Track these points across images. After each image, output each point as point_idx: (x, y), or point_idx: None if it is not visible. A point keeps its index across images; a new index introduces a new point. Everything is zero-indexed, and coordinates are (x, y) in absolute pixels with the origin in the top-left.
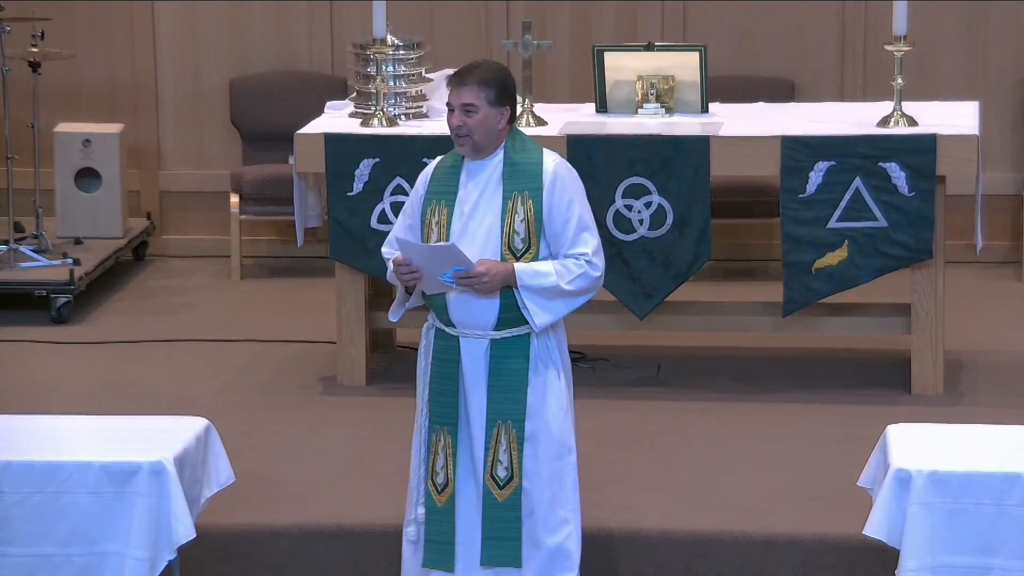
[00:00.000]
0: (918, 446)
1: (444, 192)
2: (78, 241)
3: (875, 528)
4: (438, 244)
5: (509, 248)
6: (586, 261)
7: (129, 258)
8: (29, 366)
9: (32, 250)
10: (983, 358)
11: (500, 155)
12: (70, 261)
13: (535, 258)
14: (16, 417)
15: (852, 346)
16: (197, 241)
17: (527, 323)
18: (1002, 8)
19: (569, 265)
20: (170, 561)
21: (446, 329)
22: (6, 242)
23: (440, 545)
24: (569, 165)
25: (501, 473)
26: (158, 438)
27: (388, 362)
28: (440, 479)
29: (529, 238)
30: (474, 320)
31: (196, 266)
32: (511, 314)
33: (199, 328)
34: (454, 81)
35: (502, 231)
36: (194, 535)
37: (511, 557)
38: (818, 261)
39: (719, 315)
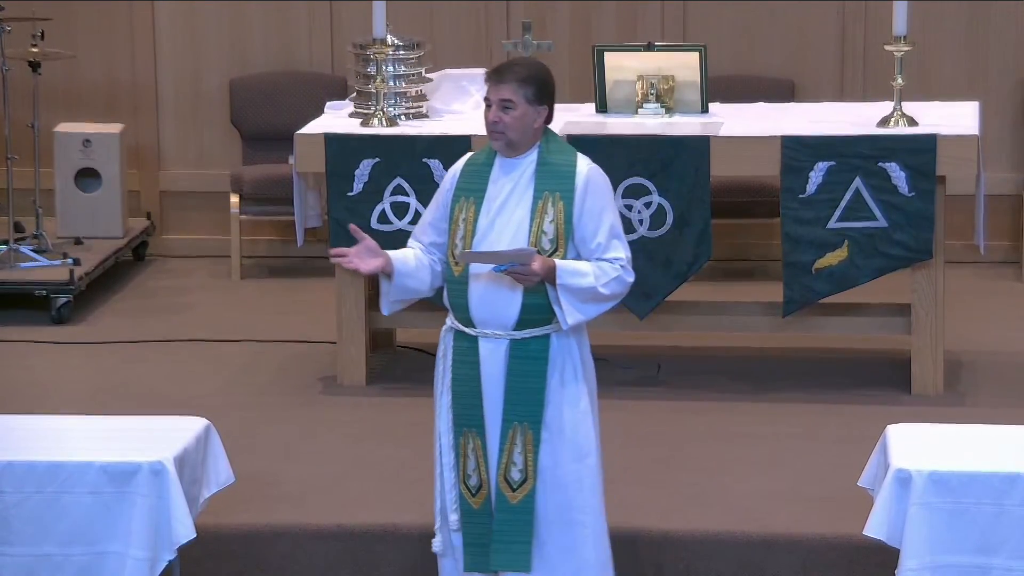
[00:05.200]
0: (918, 446)
1: (473, 189)
2: (78, 241)
3: (875, 528)
4: (518, 250)
5: (536, 247)
6: (621, 266)
7: (129, 258)
8: (29, 366)
9: (32, 250)
10: (983, 358)
11: (534, 154)
12: (70, 261)
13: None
14: (16, 417)
15: (852, 346)
16: (197, 241)
17: (547, 324)
18: (1002, 8)
19: (605, 268)
20: (170, 561)
21: (465, 330)
22: (6, 242)
23: (481, 548)
24: (602, 171)
25: (515, 475)
26: (158, 438)
27: (388, 362)
28: (473, 481)
29: (557, 240)
30: (496, 318)
31: (196, 266)
32: (532, 315)
33: (199, 328)
34: (492, 77)
35: (530, 230)
36: (194, 535)
37: (521, 562)
38: (818, 261)
39: (719, 315)
